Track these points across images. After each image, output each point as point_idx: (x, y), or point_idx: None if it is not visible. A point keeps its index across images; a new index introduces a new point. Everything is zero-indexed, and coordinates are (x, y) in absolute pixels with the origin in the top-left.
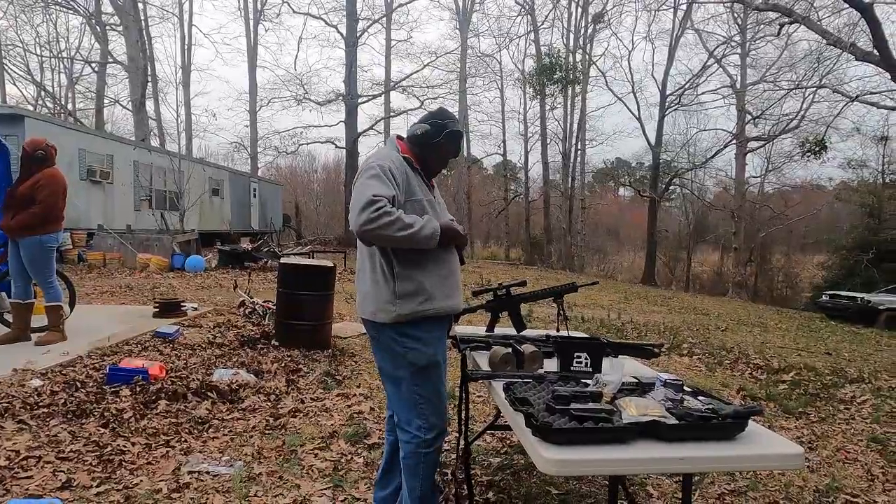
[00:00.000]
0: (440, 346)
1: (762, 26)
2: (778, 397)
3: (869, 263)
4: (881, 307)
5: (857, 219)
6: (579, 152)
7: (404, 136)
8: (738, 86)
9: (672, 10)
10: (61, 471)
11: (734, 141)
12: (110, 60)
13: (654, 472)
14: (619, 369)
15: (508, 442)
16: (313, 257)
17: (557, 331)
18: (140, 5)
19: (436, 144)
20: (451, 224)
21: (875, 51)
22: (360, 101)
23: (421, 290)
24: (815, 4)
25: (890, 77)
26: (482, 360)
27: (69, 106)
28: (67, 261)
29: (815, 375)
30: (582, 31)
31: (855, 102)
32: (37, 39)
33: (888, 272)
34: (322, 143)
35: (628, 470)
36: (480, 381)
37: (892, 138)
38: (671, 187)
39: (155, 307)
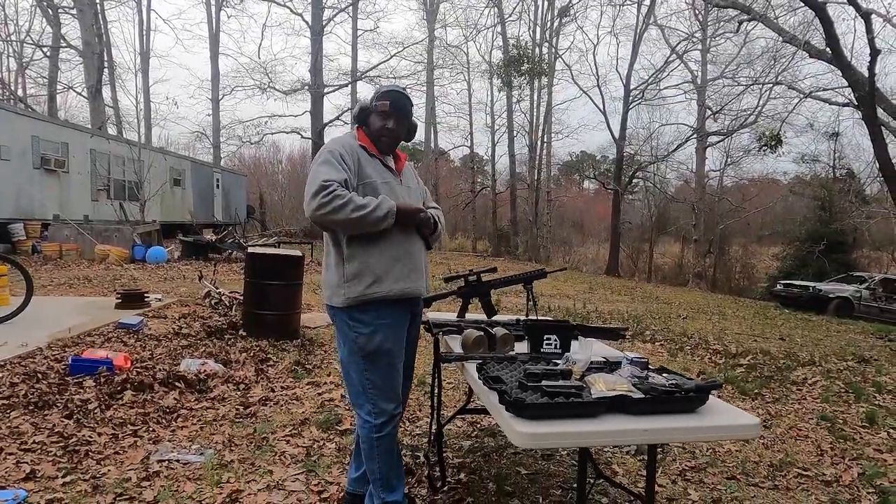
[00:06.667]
0: (391, 333)
1: (722, 23)
2: (735, 380)
3: (820, 254)
4: (831, 295)
5: (810, 211)
6: (545, 145)
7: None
8: (698, 81)
9: (636, 5)
10: (25, 462)
11: (695, 135)
12: (63, 45)
13: (621, 444)
14: (587, 348)
15: (479, 425)
16: (280, 248)
17: (527, 316)
18: None
19: (370, 110)
20: (409, 203)
21: (827, 49)
22: (326, 90)
23: (367, 272)
24: (771, 3)
25: (841, 74)
26: (454, 343)
27: (19, 92)
28: (21, 252)
29: (769, 359)
30: (548, 25)
31: (808, 99)
32: None
33: (838, 262)
34: (287, 133)
35: (597, 442)
36: (451, 369)
37: (843, 134)
38: (634, 180)
39: (117, 298)
